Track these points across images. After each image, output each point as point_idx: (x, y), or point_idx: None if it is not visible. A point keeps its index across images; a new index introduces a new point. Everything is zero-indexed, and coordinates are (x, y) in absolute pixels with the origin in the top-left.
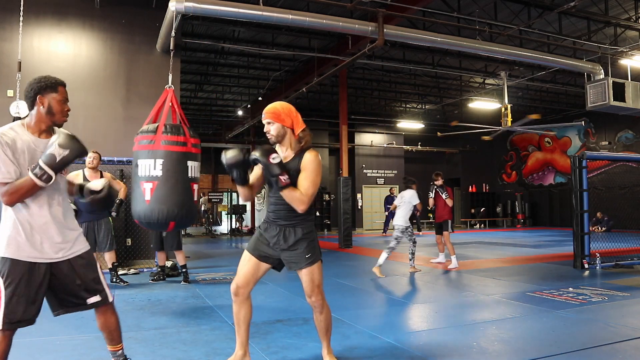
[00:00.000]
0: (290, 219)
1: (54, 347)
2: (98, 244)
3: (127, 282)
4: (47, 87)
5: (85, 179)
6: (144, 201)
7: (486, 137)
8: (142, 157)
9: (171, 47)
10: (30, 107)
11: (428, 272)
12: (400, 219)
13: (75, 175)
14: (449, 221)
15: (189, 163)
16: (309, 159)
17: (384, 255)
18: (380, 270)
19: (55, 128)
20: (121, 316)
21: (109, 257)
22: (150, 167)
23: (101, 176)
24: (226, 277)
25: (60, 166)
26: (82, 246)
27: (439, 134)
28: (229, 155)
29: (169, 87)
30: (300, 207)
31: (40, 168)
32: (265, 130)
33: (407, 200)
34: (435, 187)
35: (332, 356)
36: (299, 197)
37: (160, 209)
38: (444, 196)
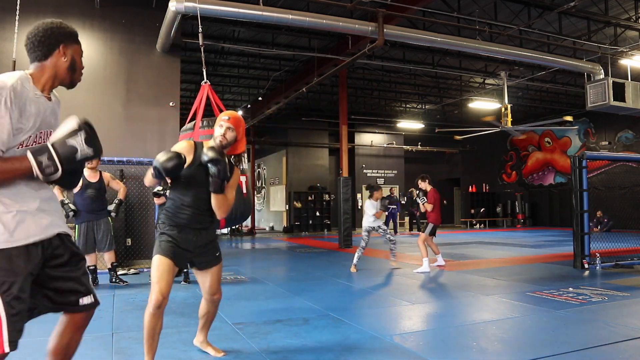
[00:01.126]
0: (206, 222)
1: None
2: (97, 243)
3: (126, 282)
4: (71, 36)
5: (84, 179)
6: (241, 195)
7: (488, 118)
8: None
9: (200, 43)
10: (43, 57)
11: (428, 272)
12: (365, 222)
13: None
14: (432, 225)
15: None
16: (237, 174)
17: (357, 254)
18: (354, 267)
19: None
20: (121, 316)
21: (108, 257)
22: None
23: (100, 176)
24: (226, 277)
25: (74, 166)
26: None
27: (437, 129)
28: (166, 158)
29: (205, 82)
30: (224, 214)
31: (51, 159)
32: (220, 132)
33: (365, 210)
34: (420, 190)
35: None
36: (229, 204)
37: (249, 200)
38: (420, 202)
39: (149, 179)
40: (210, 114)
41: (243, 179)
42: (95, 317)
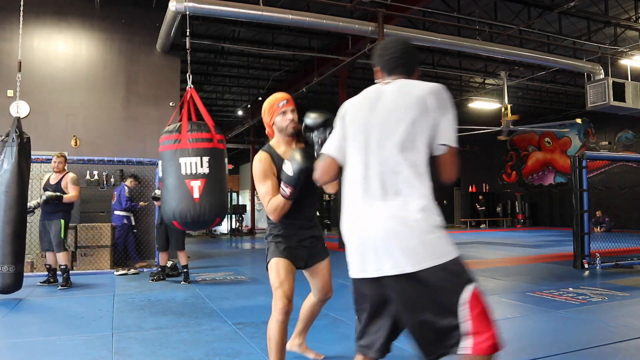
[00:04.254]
0: (313, 219)
1: (54, 347)
2: (50, 244)
3: (68, 285)
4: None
5: (47, 183)
6: (191, 200)
7: (502, 137)
8: (181, 155)
9: (187, 47)
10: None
11: None
12: None
13: (45, 178)
14: None
15: (225, 160)
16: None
17: None
18: None
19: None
20: (121, 316)
21: (59, 258)
22: (196, 165)
23: (61, 179)
24: (226, 277)
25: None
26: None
27: None
28: (305, 159)
29: (190, 87)
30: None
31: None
32: (289, 119)
33: None
34: None
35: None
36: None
37: (211, 205)
38: None
39: (279, 201)
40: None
41: (197, 183)
42: (95, 317)
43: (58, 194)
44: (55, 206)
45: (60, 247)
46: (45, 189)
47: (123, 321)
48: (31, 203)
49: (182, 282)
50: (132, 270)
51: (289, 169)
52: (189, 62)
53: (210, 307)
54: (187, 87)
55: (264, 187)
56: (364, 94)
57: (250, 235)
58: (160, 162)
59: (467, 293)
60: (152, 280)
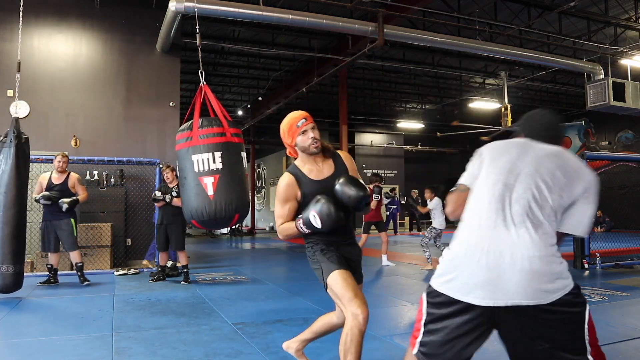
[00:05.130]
0: (352, 236)
1: (54, 347)
2: (62, 243)
3: (89, 281)
4: None
5: (49, 181)
6: (206, 197)
7: (485, 137)
8: (194, 152)
9: (198, 44)
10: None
11: (428, 272)
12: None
13: (43, 177)
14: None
15: (242, 154)
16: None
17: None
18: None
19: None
20: (121, 316)
21: (72, 257)
22: (209, 161)
23: (66, 178)
24: (226, 277)
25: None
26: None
27: (438, 134)
28: (356, 189)
29: (202, 83)
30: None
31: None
32: (311, 136)
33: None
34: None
35: None
36: None
37: (227, 202)
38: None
39: (292, 231)
40: (206, 114)
41: (210, 179)
42: (95, 317)
43: (75, 198)
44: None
45: (75, 245)
46: (50, 189)
47: (123, 321)
48: (67, 200)
49: (182, 282)
50: (132, 270)
51: (315, 220)
52: (200, 59)
53: (210, 307)
54: (200, 84)
55: (281, 210)
56: (511, 140)
57: (250, 235)
58: (177, 162)
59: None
60: (152, 280)
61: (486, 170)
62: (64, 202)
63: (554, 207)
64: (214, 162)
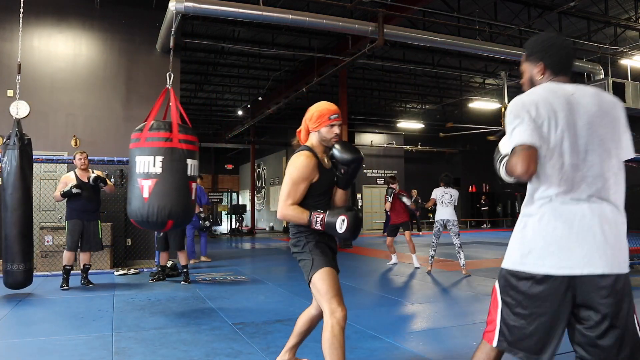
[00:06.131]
0: None
1: (54, 347)
2: (84, 242)
3: (93, 284)
4: None
5: (78, 179)
6: (141, 199)
7: (492, 137)
8: (138, 154)
9: (171, 46)
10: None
11: (423, 272)
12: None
13: (67, 177)
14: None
15: (188, 161)
16: None
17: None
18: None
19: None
20: (121, 316)
21: (83, 257)
22: (149, 164)
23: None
24: (226, 277)
25: None
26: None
27: (441, 134)
28: (354, 152)
29: (169, 86)
30: None
31: None
32: (335, 131)
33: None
34: (393, 191)
35: None
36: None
37: (160, 207)
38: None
39: (299, 219)
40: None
41: (148, 182)
42: (95, 317)
43: (104, 177)
44: (97, 205)
45: (99, 245)
46: (79, 187)
47: (123, 321)
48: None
49: (182, 282)
50: (132, 270)
51: (342, 226)
52: (170, 60)
53: (210, 307)
54: (166, 86)
55: (293, 189)
56: (546, 92)
57: (250, 235)
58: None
59: None
60: (152, 280)
61: (549, 129)
62: (97, 174)
63: (618, 158)
64: (154, 165)
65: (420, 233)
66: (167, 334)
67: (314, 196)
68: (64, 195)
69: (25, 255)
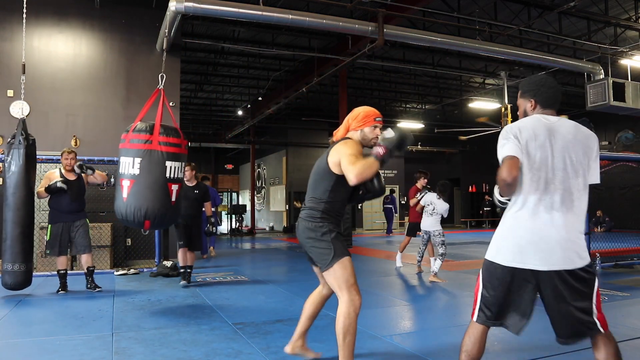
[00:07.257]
0: None
1: (53, 347)
2: (75, 245)
3: (101, 288)
4: None
5: (62, 175)
6: (122, 198)
7: (482, 119)
8: (123, 154)
9: (164, 47)
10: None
11: (428, 273)
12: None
13: (51, 172)
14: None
15: (168, 163)
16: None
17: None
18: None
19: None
20: (121, 316)
21: (85, 260)
22: (129, 165)
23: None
24: (226, 277)
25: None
26: None
27: (461, 137)
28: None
29: (161, 87)
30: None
31: None
32: (377, 133)
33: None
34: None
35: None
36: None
37: (136, 207)
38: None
39: (372, 163)
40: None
41: (127, 183)
42: (95, 317)
43: (91, 166)
44: (82, 205)
45: (89, 247)
46: (65, 183)
47: (123, 321)
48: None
49: (182, 282)
50: (132, 270)
51: (390, 133)
52: (163, 61)
53: (210, 307)
54: (157, 87)
55: (355, 157)
56: (533, 120)
57: (250, 235)
58: None
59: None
60: (156, 276)
61: (530, 148)
62: (80, 163)
63: (584, 179)
64: (133, 167)
65: (419, 233)
66: (167, 334)
67: (344, 188)
68: (49, 190)
69: (27, 255)
